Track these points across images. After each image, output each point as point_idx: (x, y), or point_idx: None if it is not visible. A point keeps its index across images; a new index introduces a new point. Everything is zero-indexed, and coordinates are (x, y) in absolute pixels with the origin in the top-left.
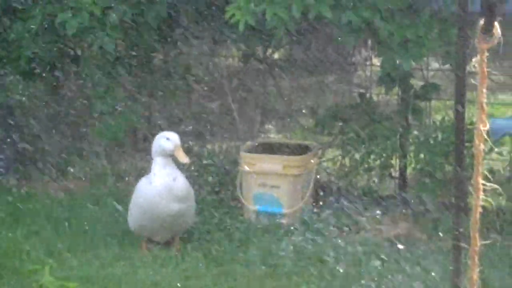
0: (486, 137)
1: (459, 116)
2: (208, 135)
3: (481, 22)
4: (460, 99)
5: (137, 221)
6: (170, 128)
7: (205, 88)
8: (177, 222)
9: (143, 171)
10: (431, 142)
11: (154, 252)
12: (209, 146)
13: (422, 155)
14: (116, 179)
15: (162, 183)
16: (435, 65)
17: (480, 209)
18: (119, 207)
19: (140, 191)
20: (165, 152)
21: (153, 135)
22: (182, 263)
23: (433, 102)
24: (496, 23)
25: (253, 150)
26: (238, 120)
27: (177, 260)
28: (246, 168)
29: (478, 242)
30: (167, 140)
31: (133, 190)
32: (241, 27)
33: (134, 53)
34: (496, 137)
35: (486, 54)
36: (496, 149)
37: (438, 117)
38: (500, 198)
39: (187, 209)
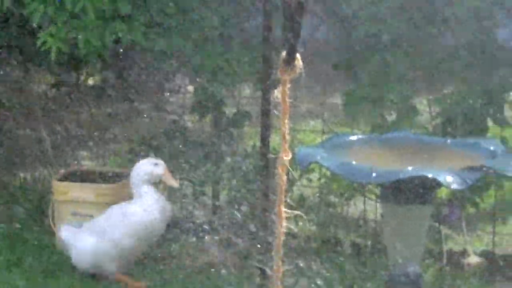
0: (289, 167)
1: (264, 145)
2: (20, 163)
3: (283, 53)
4: (264, 128)
5: (123, 251)
6: None
7: (17, 115)
8: None
9: None
10: (243, 168)
11: None
12: (21, 175)
13: (234, 182)
14: None
15: (159, 208)
16: (247, 92)
17: (283, 236)
18: None
19: (138, 218)
20: (153, 178)
21: None
22: None
23: (246, 129)
24: (298, 55)
25: (65, 178)
26: (50, 148)
27: None
28: (58, 197)
29: (281, 268)
30: (155, 165)
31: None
32: (53, 54)
33: None
34: (303, 165)
35: (288, 85)
36: (306, 176)
37: (251, 144)
38: (311, 224)
39: None
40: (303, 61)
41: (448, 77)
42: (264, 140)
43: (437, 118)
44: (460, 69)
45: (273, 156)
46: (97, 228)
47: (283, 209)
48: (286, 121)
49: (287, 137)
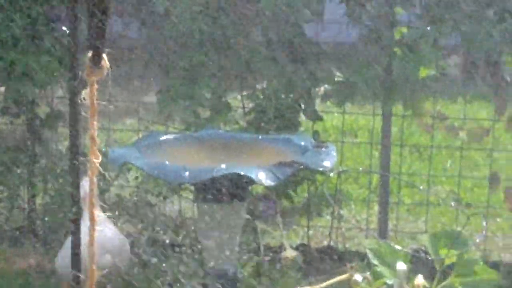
0: (104, 168)
1: (73, 148)
2: None
3: (89, 54)
4: (74, 130)
5: None
6: None
7: None
8: None
9: None
10: (58, 171)
11: None
12: None
13: (50, 185)
14: None
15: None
16: (60, 92)
17: (95, 239)
18: None
19: None
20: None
21: None
22: None
23: (62, 130)
24: (104, 55)
25: None
26: None
27: None
28: None
29: (94, 273)
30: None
31: None
32: None
33: None
34: (116, 165)
35: (96, 86)
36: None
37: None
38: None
39: None
40: (116, 60)
41: (260, 73)
42: (74, 142)
43: (250, 114)
44: (272, 65)
45: (82, 158)
46: None
47: (96, 212)
48: (95, 122)
49: (97, 139)
